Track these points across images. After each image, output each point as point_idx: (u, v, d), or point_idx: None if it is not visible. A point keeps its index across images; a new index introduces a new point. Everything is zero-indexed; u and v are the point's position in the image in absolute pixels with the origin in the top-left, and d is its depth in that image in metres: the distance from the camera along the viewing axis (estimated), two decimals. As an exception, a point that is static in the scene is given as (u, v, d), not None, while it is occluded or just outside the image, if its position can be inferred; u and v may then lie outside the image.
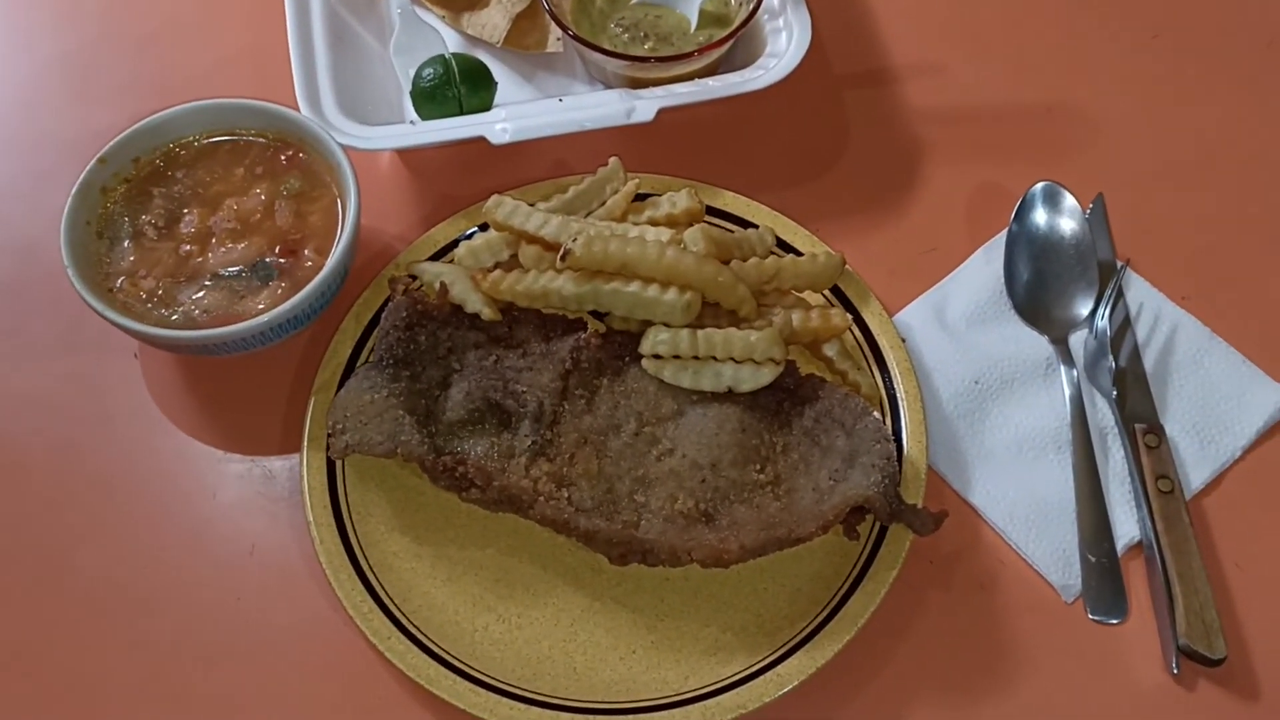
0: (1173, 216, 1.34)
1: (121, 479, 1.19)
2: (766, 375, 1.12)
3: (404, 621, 1.06)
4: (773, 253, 1.23)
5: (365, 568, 1.09)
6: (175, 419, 1.22)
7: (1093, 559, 1.12)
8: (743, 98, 1.29)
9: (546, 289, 1.15)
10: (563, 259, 1.12)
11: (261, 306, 1.16)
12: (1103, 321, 1.23)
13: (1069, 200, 1.30)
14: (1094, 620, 1.10)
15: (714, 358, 1.12)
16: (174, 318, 1.16)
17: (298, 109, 1.24)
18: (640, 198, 1.25)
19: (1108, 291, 1.25)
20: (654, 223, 1.21)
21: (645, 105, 1.27)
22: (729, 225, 1.26)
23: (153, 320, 1.15)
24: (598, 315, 1.20)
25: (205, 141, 1.25)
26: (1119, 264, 1.29)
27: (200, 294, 1.17)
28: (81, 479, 1.19)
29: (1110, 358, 1.21)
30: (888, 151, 1.39)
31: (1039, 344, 1.24)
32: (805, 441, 1.13)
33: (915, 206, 1.35)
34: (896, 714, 1.07)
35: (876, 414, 1.14)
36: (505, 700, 1.03)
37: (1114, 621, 1.10)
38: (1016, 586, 1.12)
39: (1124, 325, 1.25)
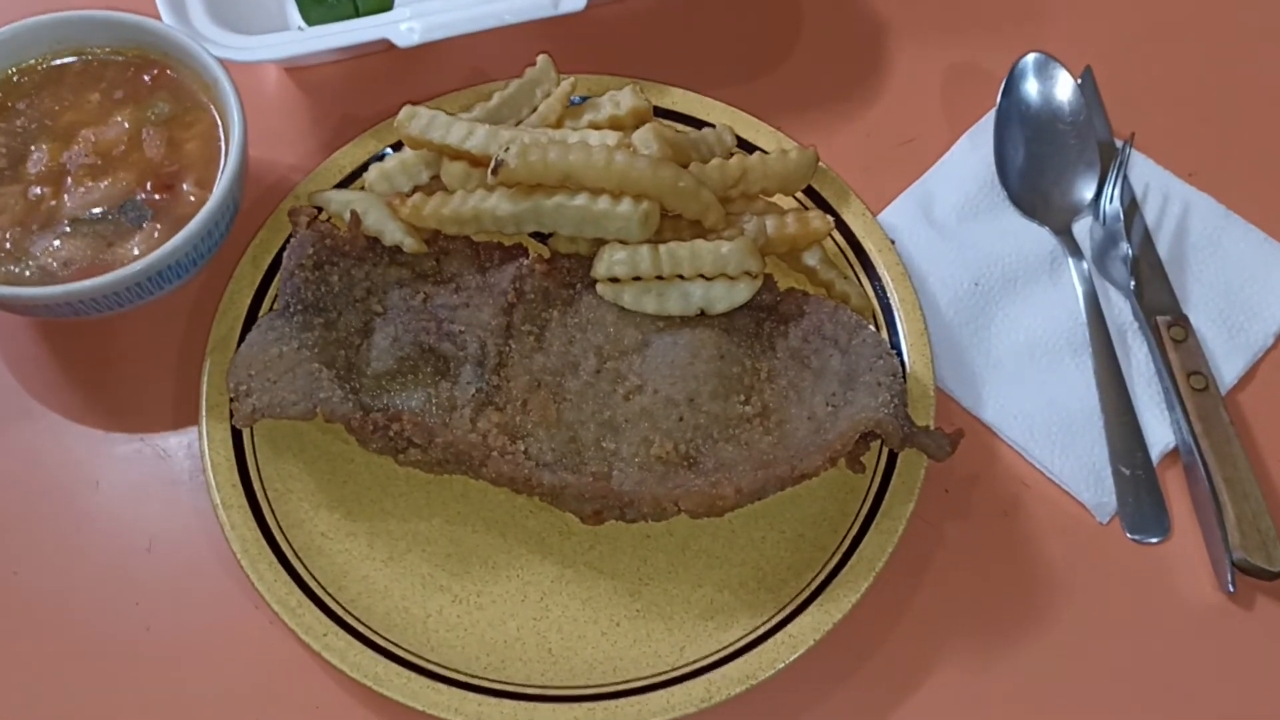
0: (1168, 85, 1.27)
1: (-19, 474, 1.08)
2: (743, 291, 1.03)
3: (341, 613, 0.98)
4: (734, 153, 1.14)
5: (289, 554, 1.00)
6: (41, 396, 1.11)
7: (1126, 472, 1.04)
8: (684, -19, 1.22)
9: (478, 210, 1.05)
10: (494, 173, 1.03)
11: (136, 252, 1.06)
12: (1112, 205, 1.14)
13: (1062, 73, 1.21)
14: (1133, 540, 1.04)
15: (680, 276, 1.03)
16: (27, 274, 1.05)
17: (159, 18, 1.14)
18: (575, 104, 1.16)
19: (1111, 171, 1.17)
20: (595, 127, 1.12)
21: (574, -7, 1.17)
22: (680, 127, 1.17)
23: (0, 277, 1.04)
24: (540, 238, 1.11)
25: (50, 64, 1.13)
26: (1119, 142, 1.20)
27: (57, 243, 1.06)
28: (-71, 476, 1.07)
29: (1125, 244, 1.13)
30: (847, 34, 1.31)
31: (1040, 236, 1.17)
32: (793, 365, 1.05)
33: (885, 93, 1.27)
34: (923, 664, 1.00)
35: (872, 327, 1.05)
36: (472, 695, 0.94)
37: (1156, 540, 1.03)
38: (1044, 509, 1.05)
39: (1131, 209, 1.17)
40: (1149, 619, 1.01)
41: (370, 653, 0.94)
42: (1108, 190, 1.15)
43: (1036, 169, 1.17)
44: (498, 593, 0.99)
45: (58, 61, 1.12)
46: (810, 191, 1.14)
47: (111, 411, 1.10)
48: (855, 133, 1.23)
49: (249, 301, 1.08)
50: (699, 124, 1.16)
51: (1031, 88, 1.20)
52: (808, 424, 1.00)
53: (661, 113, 1.16)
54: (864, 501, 1.01)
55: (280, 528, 1.00)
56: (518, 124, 1.12)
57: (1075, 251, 1.14)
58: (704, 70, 1.25)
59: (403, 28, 1.14)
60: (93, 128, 1.10)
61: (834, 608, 0.95)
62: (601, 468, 0.99)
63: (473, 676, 0.95)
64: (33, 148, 1.09)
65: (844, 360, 1.02)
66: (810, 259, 1.09)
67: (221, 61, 1.10)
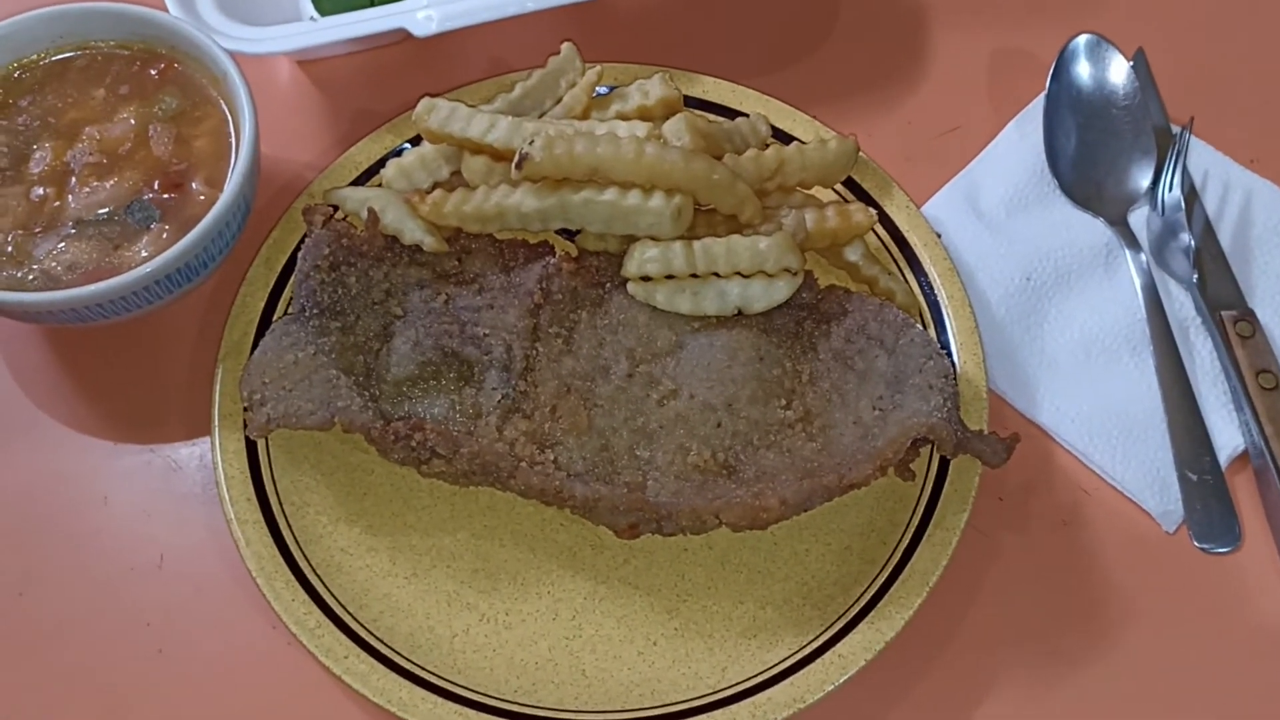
0: (1226, 66, 1.24)
1: (-15, 487, 1.05)
2: (782, 290, 1.00)
3: (363, 634, 0.95)
4: (769, 144, 1.10)
5: (307, 571, 0.98)
6: (46, 406, 1.09)
7: (1193, 477, 1.01)
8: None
9: (501, 207, 1.03)
10: (518, 167, 1.01)
11: (144, 254, 1.03)
12: (1171, 193, 1.10)
13: (1115, 55, 1.17)
14: (1202, 550, 1.00)
15: (715, 274, 1.01)
16: (30, 279, 1.03)
17: (165, 10, 1.12)
18: (601, 94, 1.13)
19: (1169, 158, 1.13)
20: (624, 118, 1.09)
21: (598, -23, 1.15)
22: (713, 117, 1.14)
23: (2, 283, 1.02)
24: (567, 235, 1.09)
25: (53, 59, 1.12)
26: (1175, 129, 1.16)
27: (62, 246, 1.04)
28: (-68, 491, 1.05)
29: (1186, 234, 1.09)
30: (887, 17, 1.28)
31: (1094, 227, 1.13)
32: (837, 366, 1.01)
33: (927, 79, 1.24)
34: (980, 685, 0.96)
35: (920, 325, 1.01)
36: (500, 721, 0.90)
37: (1226, 549, 1.00)
38: (1105, 518, 1.02)
39: (1190, 197, 1.13)
40: (1219, 633, 0.97)
41: (394, 676, 0.92)
42: (1166, 178, 1.11)
43: (1089, 157, 1.13)
44: (528, 611, 0.97)
45: (61, 56, 1.11)
46: (850, 183, 1.11)
47: (120, 422, 1.08)
48: (896, 121, 1.20)
49: (263, 305, 1.06)
50: (732, 114, 1.14)
51: (1083, 71, 1.16)
52: (853, 429, 0.97)
53: (692, 102, 1.14)
54: (914, 511, 0.97)
55: (298, 543, 0.98)
56: (541, 116, 1.10)
57: (1132, 243, 1.09)
58: (736, 57, 1.22)
59: (420, 16, 1.12)
60: (98, 125, 1.08)
61: (885, 625, 0.92)
62: (636, 478, 0.96)
63: (502, 700, 0.92)
64: (35, 146, 1.07)
65: (891, 361, 0.98)
66: (852, 254, 1.06)
67: (231, 54, 1.08)
